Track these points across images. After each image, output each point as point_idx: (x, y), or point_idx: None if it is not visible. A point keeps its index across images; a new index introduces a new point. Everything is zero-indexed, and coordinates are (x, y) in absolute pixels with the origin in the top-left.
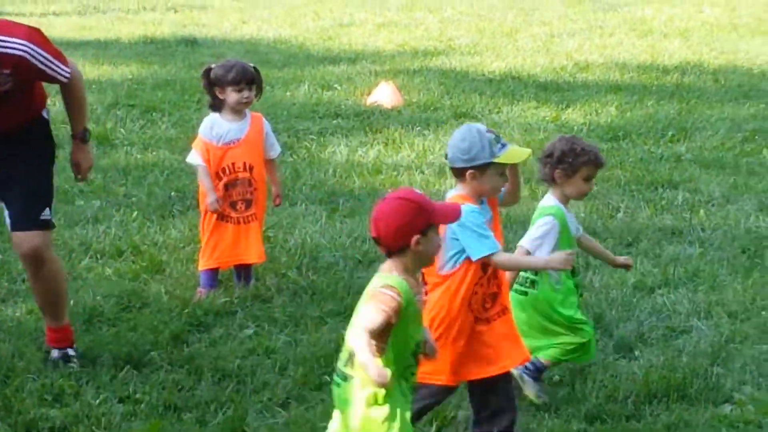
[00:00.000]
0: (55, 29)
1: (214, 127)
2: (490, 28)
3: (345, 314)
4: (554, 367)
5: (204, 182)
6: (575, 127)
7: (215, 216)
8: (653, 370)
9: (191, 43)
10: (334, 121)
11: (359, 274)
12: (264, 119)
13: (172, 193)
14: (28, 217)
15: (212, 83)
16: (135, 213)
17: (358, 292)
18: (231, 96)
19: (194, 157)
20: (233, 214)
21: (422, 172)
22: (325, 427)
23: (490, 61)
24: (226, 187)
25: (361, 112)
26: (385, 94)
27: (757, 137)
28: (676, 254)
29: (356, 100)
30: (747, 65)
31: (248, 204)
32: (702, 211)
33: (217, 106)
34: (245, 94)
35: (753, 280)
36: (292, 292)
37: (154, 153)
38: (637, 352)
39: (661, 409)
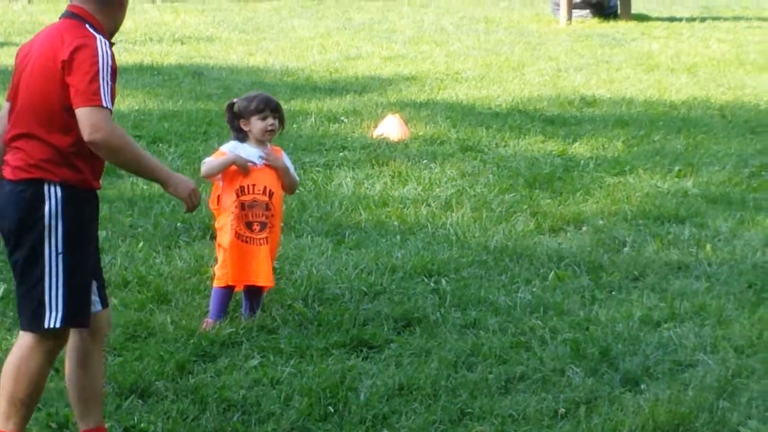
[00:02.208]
0: None
1: (238, 148)
2: (497, 62)
3: (351, 345)
4: (559, 399)
5: (214, 163)
6: (582, 161)
7: (231, 233)
8: (659, 404)
9: (198, 74)
10: (341, 154)
11: (365, 305)
12: (283, 152)
13: (178, 224)
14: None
15: (236, 116)
16: (141, 244)
17: (364, 324)
18: (256, 125)
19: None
20: (248, 234)
21: (429, 205)
22: None
23: (496, 94)
24: (243, 206)
25: (367, 145)
26: (391, 127)
27: (763, 173)
28: (683, 289)
29: (363, 132)
30: (754, 101)
31: (263, 226)
32: (709, 246)
33: (241, 138)
34: (270, 121)
35: (759, 315)
36: (297, 324)
37: None
38: (643, 386)
39: None
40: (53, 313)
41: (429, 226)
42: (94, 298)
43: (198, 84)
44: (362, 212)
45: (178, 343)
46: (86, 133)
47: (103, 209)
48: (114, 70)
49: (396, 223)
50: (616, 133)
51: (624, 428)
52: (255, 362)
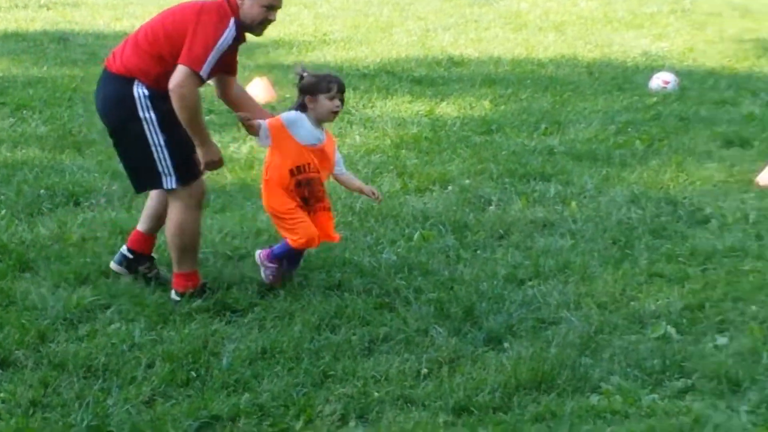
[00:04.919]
0: None
1: (298, 123)
2: (366, 23)
3: (214, 310)
4: (423, 359)
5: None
6: (449, 121)
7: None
8: (522, 362)
9: (63, 40)
10: (207, 117)
11: (229, 270)
12: (335, 140)
13: (42, 191)
14: None
15: (302, 90)
16: (3, 211)
17: (228, 288)
18: (323, 104)
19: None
20: (305, 206)
21: None
22: (191, 425)
23: (364, 55)
24: (299, 184)
25: None
26: (258, 90)
27: (629, 129)
28: (548, 246)
29: None
30: (621, 58)
31: (319, 200)
32: (574, 203)
33: (303, 110)
34: (336, 103)
35: (623, 270)
36: (161, 289)
37: (23, 151)
38: (506, 344)
39: (529, 400)
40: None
41: None
42: None
43: (63, 50)
44: (228, 175)
45: (39, 311)
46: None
47: None
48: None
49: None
50: (484, 92)
51: (486, 386)
52: (117, 327)
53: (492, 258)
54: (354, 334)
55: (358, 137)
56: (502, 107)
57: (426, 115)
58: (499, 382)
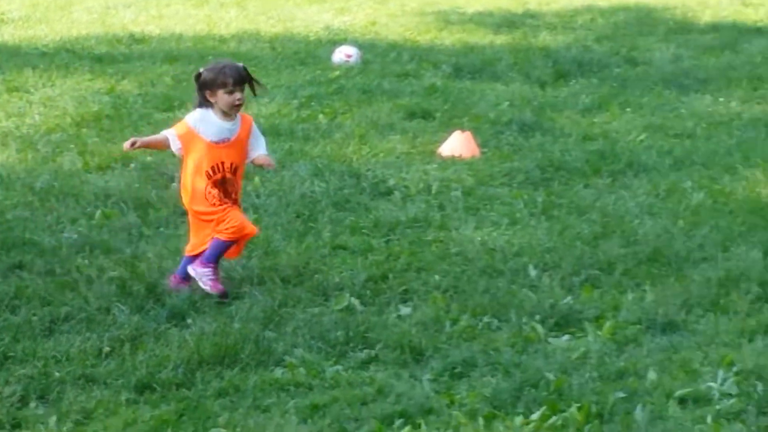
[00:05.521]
0: None
1: (204, 121)
2: (44, 2)
3: None
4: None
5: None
6: (131, 98)
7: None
8: (205, 338)
9: None
10: None
11: None
12: (253, 123)
13: None
14: None
15: (202, 86)
16: None
17: None
18: (222, 99)
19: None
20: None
21: None
22: None
23: (44, 34)
24: (216, 183)
25: None
26: None
27: (312, 103)
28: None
29: None
30: (303, 33)
31: (233, 202)
32: (257, 178)
33: (207, 107)
34: (237, 96)
35: (307, 244)
36: None
37: None
38: (189, 320)
39: (213, 375)
40: None
41: None
42: None
43: None
44: None
45: None
46: None
47: None
48: None
49: None
50: (165, 69)
51: (169, 363)
52: None
53: (175, 234)
54: (34, 315)
55: (37, 116)
56: (185, 84)
57: (107, 93)
58: (182, 358)
